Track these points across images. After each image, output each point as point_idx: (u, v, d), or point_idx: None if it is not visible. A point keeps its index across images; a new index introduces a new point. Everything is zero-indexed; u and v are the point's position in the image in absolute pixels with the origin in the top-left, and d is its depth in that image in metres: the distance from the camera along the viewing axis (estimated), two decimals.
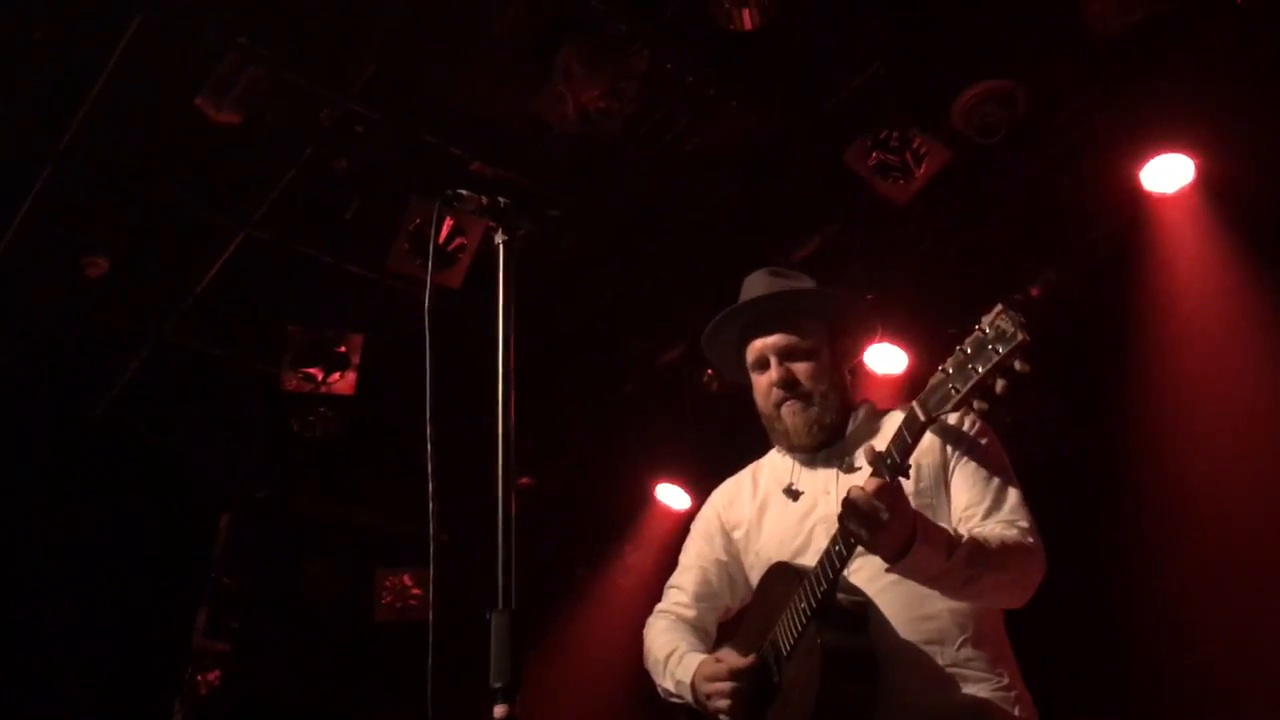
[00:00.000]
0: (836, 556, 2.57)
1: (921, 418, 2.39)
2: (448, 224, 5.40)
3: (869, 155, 5.28)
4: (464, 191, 2.32)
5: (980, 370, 2.23)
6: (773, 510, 3.04)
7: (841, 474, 2.92)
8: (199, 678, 6.86)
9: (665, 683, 3.01)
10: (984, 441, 2.84)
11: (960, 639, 2.68)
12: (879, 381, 6.09)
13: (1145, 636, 5.20)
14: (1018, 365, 2.19)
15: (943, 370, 2.33)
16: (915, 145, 5.22)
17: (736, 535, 3.12)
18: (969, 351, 2.27)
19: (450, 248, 5.47)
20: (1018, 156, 5.28)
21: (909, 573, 2.53)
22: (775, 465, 3.12)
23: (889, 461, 2.45)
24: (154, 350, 6.50)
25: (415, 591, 7.46)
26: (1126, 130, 5.14)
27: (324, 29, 4.89)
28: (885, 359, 6.12)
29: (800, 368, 2.97)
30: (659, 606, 3.26)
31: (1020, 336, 2.17)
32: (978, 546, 2.56)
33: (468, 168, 5.47)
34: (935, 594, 2.63)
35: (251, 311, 6.31)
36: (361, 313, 6.32)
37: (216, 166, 5.44)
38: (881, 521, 2.39)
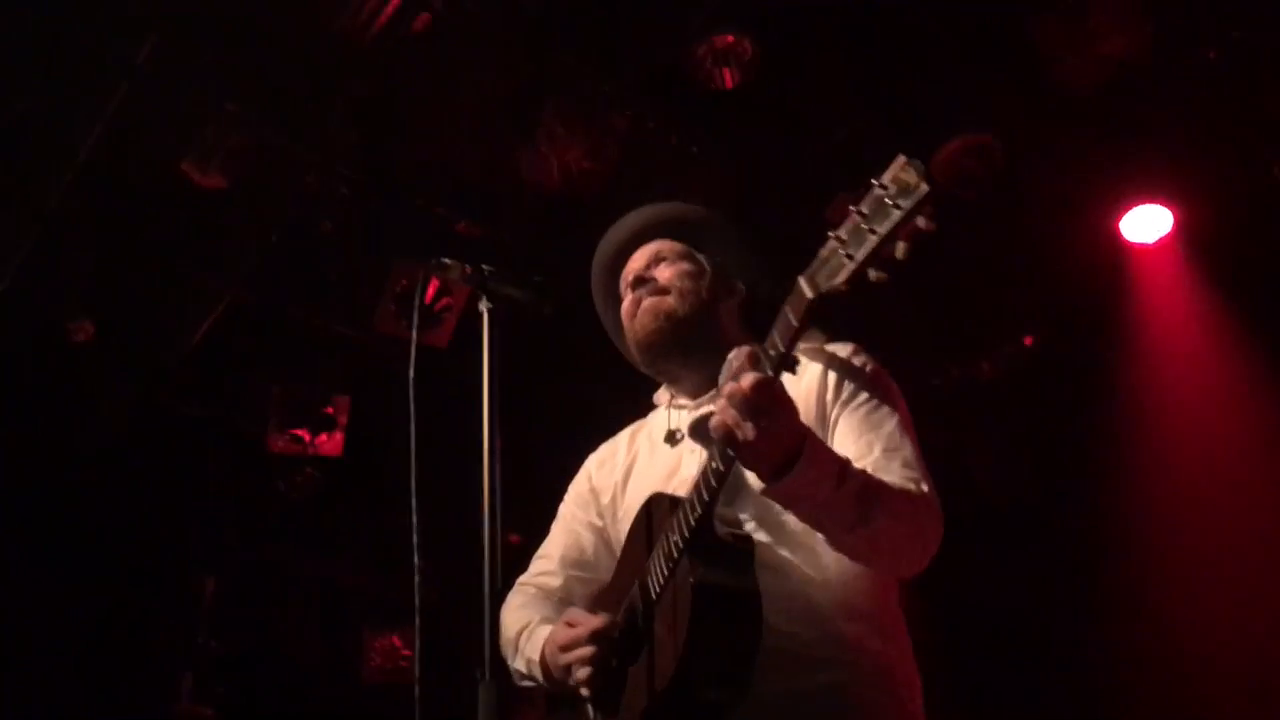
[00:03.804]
0: (713, 474, 2.12)
1: (809, 294, 1.93)
2: (433, 285, 5.42)
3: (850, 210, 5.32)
4: (448, 260, 2.30)
5: (880, 231, 1.81)
6: (641, 461, 2.70)
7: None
8: None
9: (517, 664, 2.58)
10: (877, 382, 2.47)
11: (847, 604, 2.33)
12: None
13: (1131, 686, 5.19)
14: (922, 222, 1.81)
15: (834, 237, 1.90)
16: None
17: (604, 501, 2.75)
18: (866, 212, 1.85)
19: (437, 308, 5.48)
20: (998, 209, 5.34)
21: (788, 499, 2.11)
22: (654, 422, 2.77)
23: (771, 352, 2.01)
24: (139, 414, 6.47)
25: (405, 653, 7.39)
26: (1105, 182, 5.21)
27: (308, 94, 4.94)
28: None
29: (661, 268, 2.66)
30: (520, 578, 2.84)
31: (924, 186, 1.80)
32: (874, 484, 2.18)
33: (452, 228, 5.50)
34: (819, 549, 2.28)
35: (238, 374, 6.29)
36: (348, 373, 6.32)
37: (202, 230, 5.45)
38: (760, 424, 1.97)
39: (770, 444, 2.02)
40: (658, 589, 2.25)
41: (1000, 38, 4.74)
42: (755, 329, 2.68)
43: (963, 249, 5.61)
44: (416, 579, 2.05)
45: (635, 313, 2.65)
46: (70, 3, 4.37)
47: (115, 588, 6.65)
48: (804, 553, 2.33)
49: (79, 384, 6.15)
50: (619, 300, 2.78)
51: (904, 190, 1.82)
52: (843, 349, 2.53)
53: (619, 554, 2.65)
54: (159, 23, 4.53)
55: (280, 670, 7.31)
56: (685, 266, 2.66)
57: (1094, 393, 5.53)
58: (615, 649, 2.30)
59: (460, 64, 4.86)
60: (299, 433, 6.31)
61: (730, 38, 4.76)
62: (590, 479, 2.82)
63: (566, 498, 2.88)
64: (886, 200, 1.82)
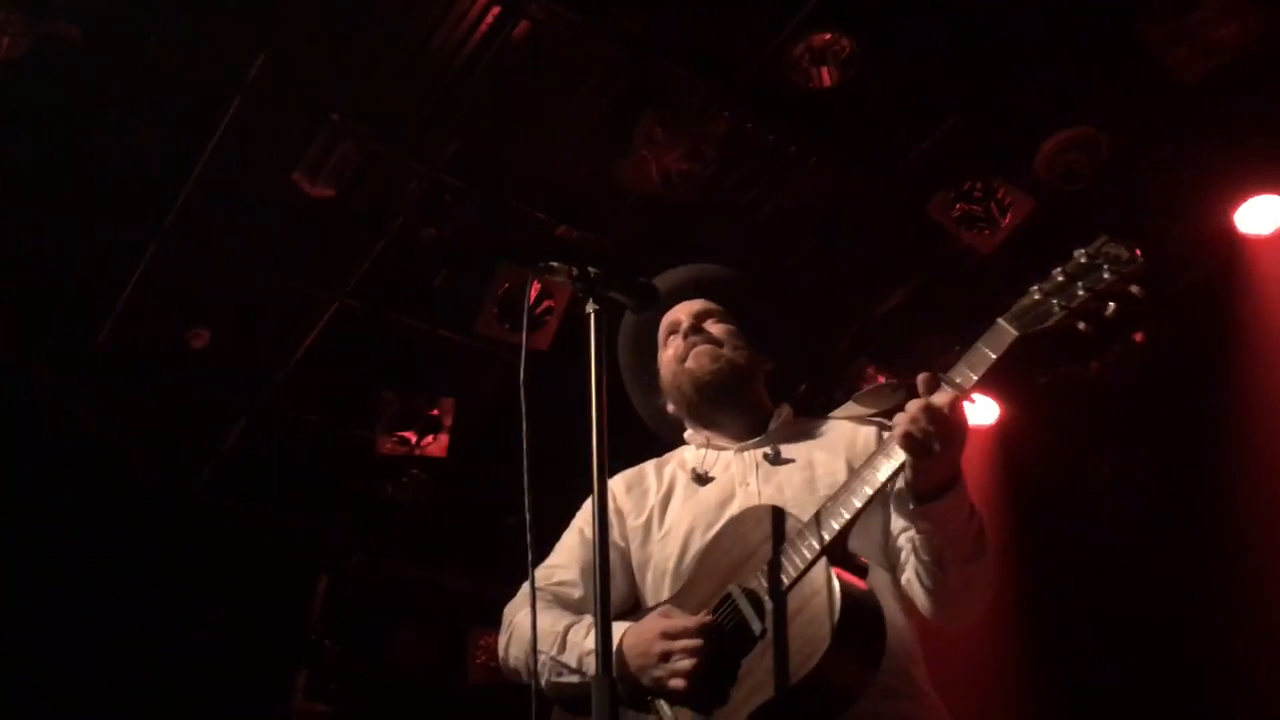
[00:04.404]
0: (868, 484, 2.23)
1: (1014, 332, 2.11)
2: (535, 287, 5.48)
3: (952, 207, 5.27)
4: (555, 263, 2.32)
5: (1093, 288, 2.03)
6: (681, 494, 2.75)
7: (764, 464, 2.64)
8: None
9: (565, 658, 2.49)
10: None
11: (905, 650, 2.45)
12: (969, 433, 6.00)
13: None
14: (1135, 289, 2.01)
15: (1037, 290, 2.12)
16: (999, 195, 5.21)
17: (634, 522, 2.76)
18: (1070, 273, 2.07)
19: (538, 311, 5.55)
20: (1104, 203, 5.23)
21: (933, 518, 2.25)
22: (686, 458, 2.86)
23: (958, 379, 2.16)
24: (253, 418, 6.67)
25: None
26: (1217, 172, 5.07)
27: (411, 103, 5.04)
28: (975, 410, 6.06)
29: (710, 324, 2.85)
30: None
31: (1140, 259, 2.00)
32: (985, 527, 2.33)
33: (553, 232, 5.57)
34: (888, 596, 2.39)
35: (346, 378, 6.44)
36: (453, 376, 6.43)
37: (312, 238, 5.60)
38: (946, 441, 2.13)
39: (946, 461, 2.18)
40: (787, 584, 2.24)
41: (1108, 29, 4.64)
42: (777, 400, 2.88)
43: (1067, 246, 5.50)
44: (531, 574, 2.10)
45: (687, 356, 2.80)
46: (185, 27, 4.53)
47: (233, 587, 6.86)
48: (878, 596, 2.39)
49: (197, 389, 6.36)
50: (649, 347, 2.95)
51: (1115, 260, 2.03)
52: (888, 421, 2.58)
53: (651, 570, 2.67)
54: (268, 41, 4.67)
55: (389, 668, 7.46)
56: (732, 327, 2.86)
57: (1208, 390, 5.37)
58: (719, 644, 2.29)
59: (559, 70, 4.92)
60: (406, 435, 6.44)
61: (828, 35, 4.74)
62: (615, 500, 2.81)
63: (583, 514, 2.86)
64: (1099, 265, 2.03)
